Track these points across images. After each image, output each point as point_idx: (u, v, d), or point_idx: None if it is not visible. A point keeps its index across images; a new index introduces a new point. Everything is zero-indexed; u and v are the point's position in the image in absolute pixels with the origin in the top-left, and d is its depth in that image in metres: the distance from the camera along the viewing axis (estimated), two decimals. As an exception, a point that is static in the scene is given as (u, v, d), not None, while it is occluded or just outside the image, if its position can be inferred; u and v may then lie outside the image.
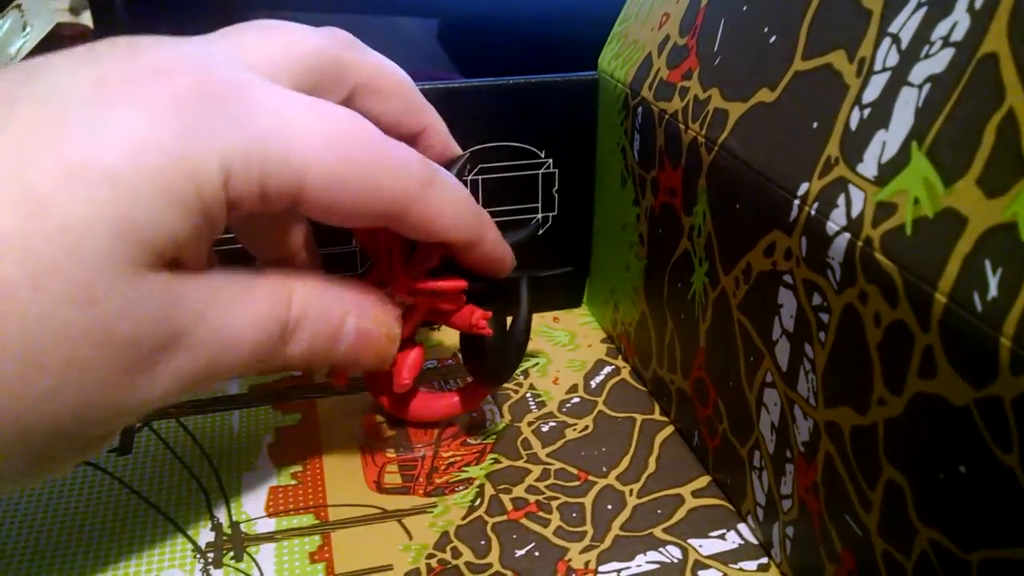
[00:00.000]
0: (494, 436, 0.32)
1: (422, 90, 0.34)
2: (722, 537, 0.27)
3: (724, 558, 0.26)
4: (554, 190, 0.37)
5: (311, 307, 0.23)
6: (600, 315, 0.39)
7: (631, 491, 0.29)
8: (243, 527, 0.28)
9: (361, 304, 0.25)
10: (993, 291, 0.16)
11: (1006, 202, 0.16)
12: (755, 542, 0.27)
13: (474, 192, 0.36)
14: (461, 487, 0.29)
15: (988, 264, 0.16)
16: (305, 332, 0.23)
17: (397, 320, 0.26)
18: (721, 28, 0.27)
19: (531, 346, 0.37)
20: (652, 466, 0.30)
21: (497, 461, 0.31)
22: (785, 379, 0.23)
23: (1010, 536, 0.16)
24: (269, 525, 0.28)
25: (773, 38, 0.24)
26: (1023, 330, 0.15)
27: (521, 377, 0.35)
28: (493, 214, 0.37)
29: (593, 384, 0.35)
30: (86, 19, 0.54)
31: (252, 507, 0.28)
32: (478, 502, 0.29)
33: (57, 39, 0.53)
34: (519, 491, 0.29)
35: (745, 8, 0.26)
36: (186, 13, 0.50)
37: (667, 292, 0.31)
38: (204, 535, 0.27)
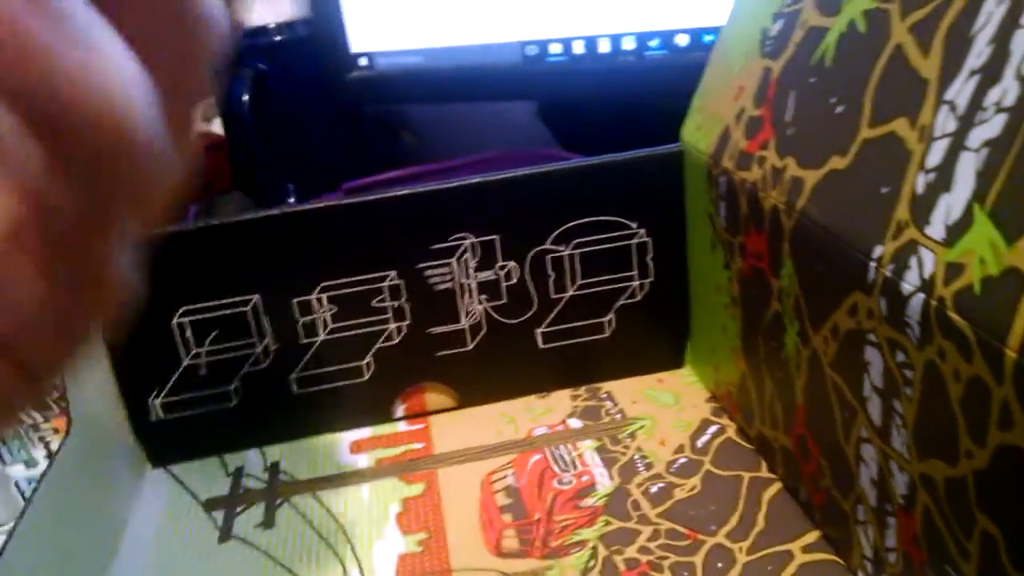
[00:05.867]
0: (604, 498, 0.33)
1: (515, 178, 0.37)
2: (834, 592, 0.28)
3: (837, 613, 0.27)
4: (648, 257, 0.39)
5: None
6: (703, 375, 0.40)
7: (741, 548, 0.30)
8: (376, 593, 0.30)
9: None
10: (1059, 345, 0.16)
11: (1064, 259, 0.17)
12: (868, 596, 0.27)
13: (572, 265, 0.38)
14: (575, 549, 0.31)
15: (1052, 319, 0.17)
16: None
17: None
18: (792, 99, 0.28)
19: (637, 409, 0.39)
20: (761, 523, 0.31)
21: (608, 523, 0.32)
22: (880, 434, 0.24)
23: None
24: (399, 591, 0.30)
25: (840, 108, 0.25)
26: (1090, 382, 0.16)
27: (628, 440, 0.37)
28: (591, 284, 0.39)
29: (699, 443, 0.36)
30: (216, 127, 0.60)
31: (384, 574, 0.31)
32: (592, 563, 0.30)
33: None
34: (631, 552, 0.30)
35: (812, 80, 0.27)
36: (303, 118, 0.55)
37: (763, 352, 0.32)
38: (341, 601, 0.30)
